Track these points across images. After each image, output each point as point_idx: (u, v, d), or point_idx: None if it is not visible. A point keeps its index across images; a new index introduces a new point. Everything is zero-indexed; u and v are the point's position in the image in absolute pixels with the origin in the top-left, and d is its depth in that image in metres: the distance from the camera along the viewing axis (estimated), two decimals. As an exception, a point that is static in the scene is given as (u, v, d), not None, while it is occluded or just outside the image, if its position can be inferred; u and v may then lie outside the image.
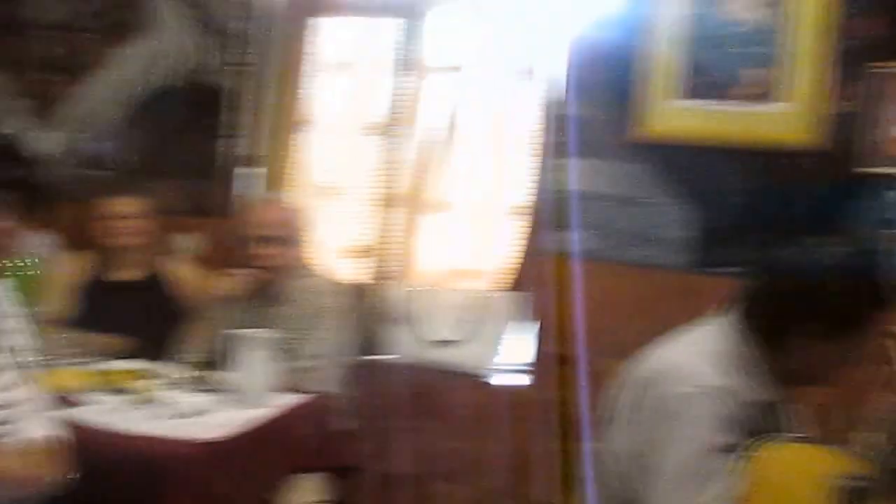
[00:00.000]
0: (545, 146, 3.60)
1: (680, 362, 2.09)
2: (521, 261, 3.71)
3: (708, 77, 3.37)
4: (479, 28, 3.79)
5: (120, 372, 3.09)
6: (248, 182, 4.12)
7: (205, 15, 4.19)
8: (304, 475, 3.12)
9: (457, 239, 3.89)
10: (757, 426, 2.01)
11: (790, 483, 1.89)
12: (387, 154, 3.89)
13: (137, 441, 2.59)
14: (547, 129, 3.59)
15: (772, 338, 2.10)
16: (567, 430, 3.26)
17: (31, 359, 2.19)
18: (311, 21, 4.09)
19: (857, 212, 3.16)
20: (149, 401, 2.87)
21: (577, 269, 3.42)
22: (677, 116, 3.40)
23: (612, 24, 3.45)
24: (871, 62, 3.20)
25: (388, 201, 3.89)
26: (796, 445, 1.98)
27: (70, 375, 2.99)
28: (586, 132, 3.50)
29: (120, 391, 2.95)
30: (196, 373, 3.13)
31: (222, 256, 3.97)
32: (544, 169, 3.60)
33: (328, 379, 3.38)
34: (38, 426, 2.14)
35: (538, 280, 3.57)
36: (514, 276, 3.73)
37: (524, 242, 3.69)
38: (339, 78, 4.13)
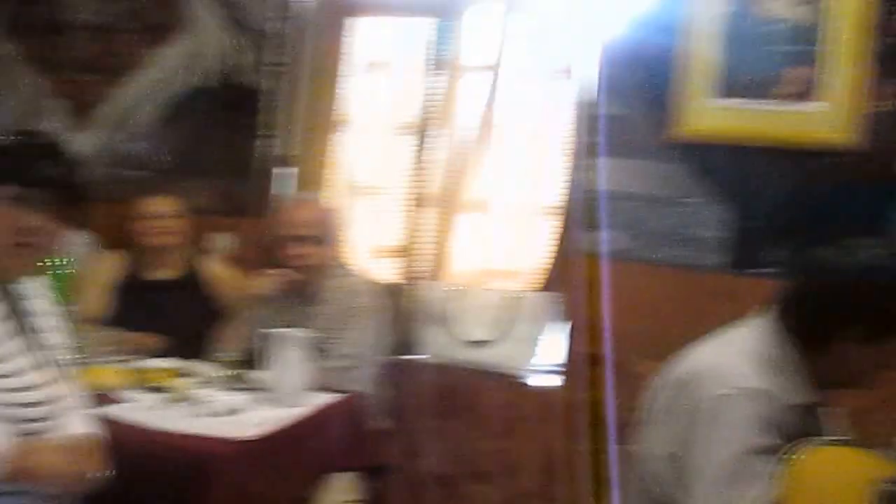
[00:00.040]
0: (579, 146, 3.59)
1: (718, 364, 2.08)
2: (554, 261, 3.70)
3: (745, 76, 3.34)
4: (515, 27, 3.77)
5: (156, 370, 3.10)
6: (283, 182, 4.14)
7: (241, 15, 4.21)
8: (337, 474, 3.12)
9: (491, 239, 3.88)
10: (796, 429, 2.00)
11: (829, 486, 1.88)
12: (421, 154, 3.89)
13: (172, 439, 2.60)
14: (582, 129, 3.57)
15: (811, 340, 2.08)
16: (598, 431, 3.24)
17: (68, 356, 2.21)
18: (346, 21, 4.09)
19: (897, 212, 3.13)
20: (184, 399, 2.88)
21: (610, 270, 3.40)
22: (714, 115, 3.37)
23: (650, 23, 3.42)
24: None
25: (423, 201, 3.89)
26: (835, 448, 1.97)
27: (106, 373, 3.01)
28: (624, 132, 3.48)
29: (156, 389, 2.97)
30: (231, 372, 3.14)
31: (257, 256, 3.99)
32: (578, 169, 3.59)
33: (362, 378, 3.38)
34: (78, 423, 2.16)
35: (572, 280, 3.55)
36: (547, 277, 3.72)
37: (558, 242, 3.68)
38: (375, 78, 4.13)
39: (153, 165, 4.36)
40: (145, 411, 2.78)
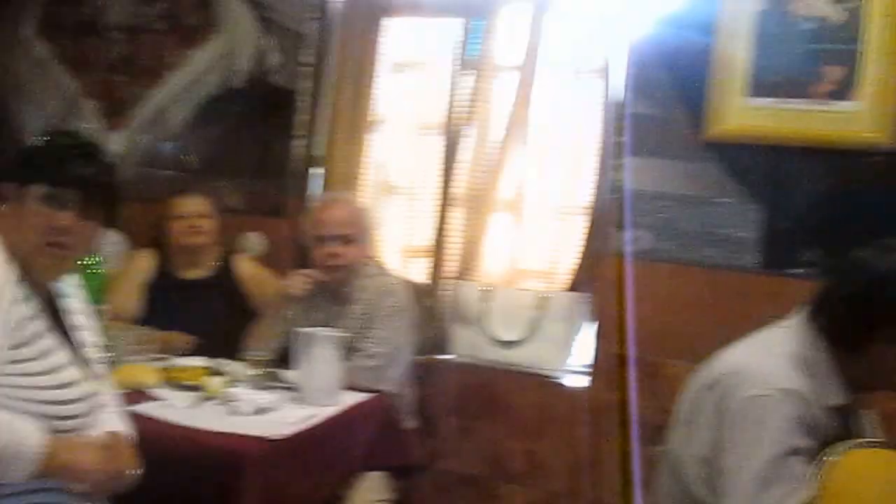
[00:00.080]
0: (611, 146, 3.58)
1: (752, 365, 2.06)
2: (585, 261, 3.69)
3: (778, 75, 3.31)
4: (546, 27, 3.76)
5: (187, 369, 3.12)
6: (315, 181, 4.15)
7: (274, 16, 4.22)
8: (367, 474, 3.13)
9: (521, 239, 3.88)
10: (831, 431, 1.98)
11: (865, 489, 1.86)
12: (453, 153, 3.89)
13: (204, 437, 2.60)
14: (612, 129, 3.56)
15: (845, 341, 2.06)
16: (628, 431, 3.23)
17: (100, 355, 2.22)
18: (379, 21, 4.10)
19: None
20: (215, 398, 2.90)
21: (642, 270, 3.39)
22: (747, 115, 3.35)
23: (684, 22, 3.40)
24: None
25: (454, 201, 3.88)
26: (871, 450, 1.95)
27: (138, 372, 3.03)
28: (658, 132, 3.47)
29: (187, 388, 2.98)
30: (262, 370, 3.14)
31: (289, 255, 4.00)
32: (609, 169, 3.58)
33: (392, 378, 3.38)
34: (111, 421, 2.18)
35: (602, 280, 3.54)
36: (577, 277, 3.71)
37: (588, 242, 3.67)
38: (407, 78, 4.13)
39: (186, 165, 4.39)
40: (177, 410, 2.80)
